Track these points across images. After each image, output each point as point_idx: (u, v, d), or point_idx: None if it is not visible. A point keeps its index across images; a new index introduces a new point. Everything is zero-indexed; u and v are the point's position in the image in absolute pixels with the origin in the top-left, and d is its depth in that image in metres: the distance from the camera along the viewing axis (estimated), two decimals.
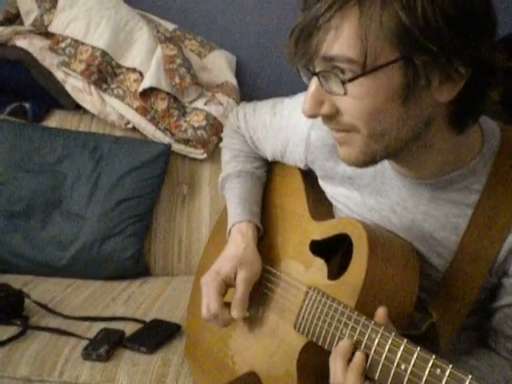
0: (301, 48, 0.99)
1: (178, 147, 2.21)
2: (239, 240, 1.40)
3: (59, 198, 2.12)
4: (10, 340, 1.66)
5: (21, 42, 2.22)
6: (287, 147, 1.41)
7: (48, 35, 2.26)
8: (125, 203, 2.12)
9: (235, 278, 1.34)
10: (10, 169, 2.12)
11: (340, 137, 1.05)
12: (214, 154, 2.22)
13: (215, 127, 2.20)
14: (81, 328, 1.74)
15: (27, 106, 2.24)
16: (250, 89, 2.42)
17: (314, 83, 1.02)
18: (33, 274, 2.06)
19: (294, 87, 1.33)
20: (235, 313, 1.32)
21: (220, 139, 1.71)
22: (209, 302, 1.33)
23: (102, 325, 1.75)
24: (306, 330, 1.19)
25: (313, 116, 1.04)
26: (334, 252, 1.30)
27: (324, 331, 1.13)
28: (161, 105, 2.18)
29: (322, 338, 1.14)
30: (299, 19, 0.99)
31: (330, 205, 1.37)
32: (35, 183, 2.11)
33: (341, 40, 0.95)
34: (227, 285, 1.35)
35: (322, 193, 1.39)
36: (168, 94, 2.19)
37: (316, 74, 1.01)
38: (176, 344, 1.69)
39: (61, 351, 1.64)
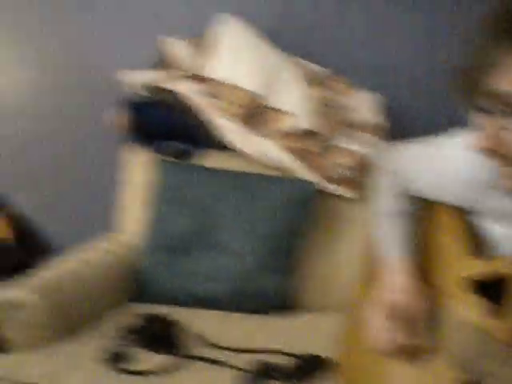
0: (469, 85, 1.00)
1: (325, 186, 2.25)
2: (400, 274, 1.41)
3: (213, 234, 2.20)
4: (166, 369, 1.74)
5: (174, 86, 2.35)
6: (439, 185, 1.41)
7: (200, 79, 2.38)
8: (273, 240, 2.18)
9: (407, 309, 1.35)
10: (167, 205, 2.24)
11: (507, 170, 1.05)
12: (361, 193, 2.24)
13: (363, 166, 2.23)
14: (234, 359, 1.79)
15: (181, 146, 2.36)
16: (398, 129, 2.42)
17: (483, 119, 1.02)
18: (188, 307, 2.15)
19: (445, 126, 1.34)
20: (424, 340, 1.33)
21: (368, 178, 1.73)
22: (392, 333, 1.35)
23: (254, 357, 1.79)
24: (465, 368, 1.17)
25: (482, 151, 1.04)
26: (488, 288, 1.28)
27: (484, 370, 1.11)
28: (310, 145, 2.24)
29: (482, 378, 1.12)
30: (466, 55, 1.00)
31: (485, 241, 1.36)
32: (188, 219, 2.21)
33: (510, 76, 0.96)
34: (400, 317, 1.36)
35: (475, 229, 1.37)
36: (317, 134, 2.25)
37: (485, 110, 1.01)
38: (326, 378, 1.71)
39: (216, 382, 1.69)
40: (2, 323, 1.94)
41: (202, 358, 1.79)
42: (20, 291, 1.95)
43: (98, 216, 2.58)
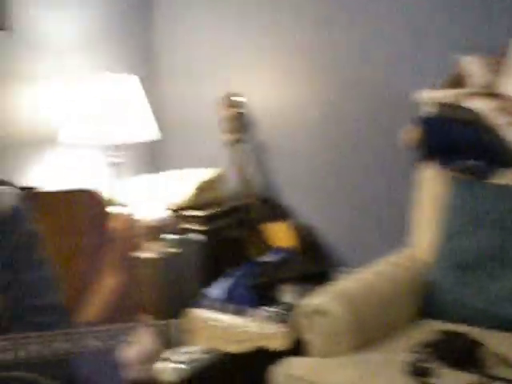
0: None
1: None
2: None
3: (508, 253, 2.16)
4: None
5: (470, 103, 2.34)
6: None
7: (496, 96, 2.34)
8: None
9: None
10: (461, 223, 2.24)
11: None
12: None
13: None
14: None
15: (476, 164, 2.34)
16: None
17: None
18: (485, 327, 2.10)
19: None
20: None
21: None
22: None
23: None
24: None
25: None
26: None
27: None
28: None
29: None
30: None
31: None
32: (484, 238, 2.19)
33: None
34: None
35: None
36: None
37: None
38: None
39: None
40: (306, 328, 2.07)
41: (508, 381, 1.76)
42: (324, 299, 2.06)
43: (391, 231, 2.65)
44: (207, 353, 2.10)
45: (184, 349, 2.04)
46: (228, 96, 2.96)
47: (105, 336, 1.36)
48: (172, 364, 2.03)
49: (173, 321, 1.33)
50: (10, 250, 1.49)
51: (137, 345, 1.34)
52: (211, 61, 3.17)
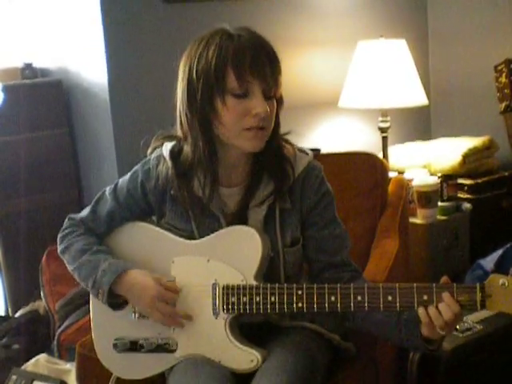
0: None
1: None
2: None
3: None
4: None
5: None
6: None
7: None
8: None
9: None
10: None
11: None
12: None
13: None
14: None
15: None
16: None
17: None
18: None
19: None
20: None
21: None
22: None
23: None
24: None
25: None
26: None
27: None
28: None
29: None
30: None
31: None
32: None
33: None
34: None
35: None
36: None
37: None
38: None
39: None
40: None
41: None
42: None
43: None
44: (481, 322, 2.06)
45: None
46: (506, 62, 2.83)
47: (400, 293, 1.38)
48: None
49: (476, 285, 1.31)
50: (309, 208, 1.56)
51: (437, 306, 1.34)
52: (485, 25, 3.04)
